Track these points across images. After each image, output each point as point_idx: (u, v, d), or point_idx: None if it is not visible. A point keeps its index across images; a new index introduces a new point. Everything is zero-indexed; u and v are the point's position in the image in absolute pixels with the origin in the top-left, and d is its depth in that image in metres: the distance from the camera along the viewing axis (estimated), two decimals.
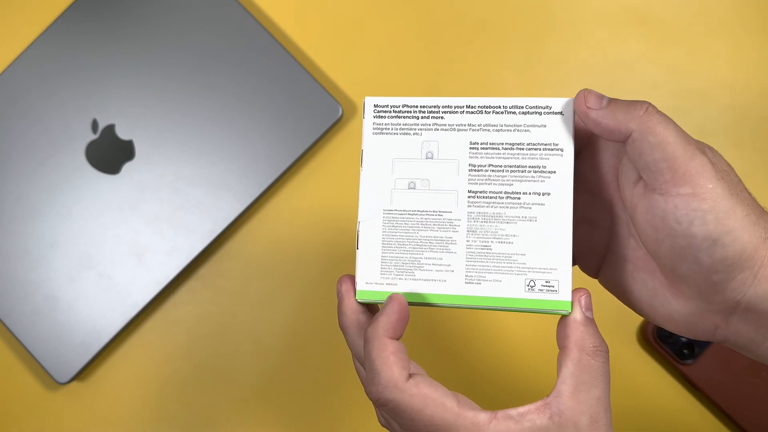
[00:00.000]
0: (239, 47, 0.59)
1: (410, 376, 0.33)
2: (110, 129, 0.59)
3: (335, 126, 0.59)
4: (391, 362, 0.33)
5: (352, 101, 0.60)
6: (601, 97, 0.34)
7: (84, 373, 0.58)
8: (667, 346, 0.56)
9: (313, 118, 0.58)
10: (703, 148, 0.32)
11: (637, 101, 0.33)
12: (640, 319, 0.58)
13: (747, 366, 0.55)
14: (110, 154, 0.58)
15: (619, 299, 0.38)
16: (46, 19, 0.61)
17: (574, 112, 0.35)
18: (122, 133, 0.58)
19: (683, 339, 0.56)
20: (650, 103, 0.33)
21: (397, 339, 0.34)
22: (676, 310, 0.34)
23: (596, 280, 0.39)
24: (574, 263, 0.38)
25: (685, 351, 0.56)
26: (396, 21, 0.61)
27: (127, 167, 0.58)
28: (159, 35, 0.59)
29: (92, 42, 0.59)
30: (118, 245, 0.57)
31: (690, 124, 0.59)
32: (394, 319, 0.34)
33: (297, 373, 0.58)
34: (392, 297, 0.34)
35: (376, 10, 0.61)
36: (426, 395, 0.33)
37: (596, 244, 0.38)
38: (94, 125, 0.59)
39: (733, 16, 0.60)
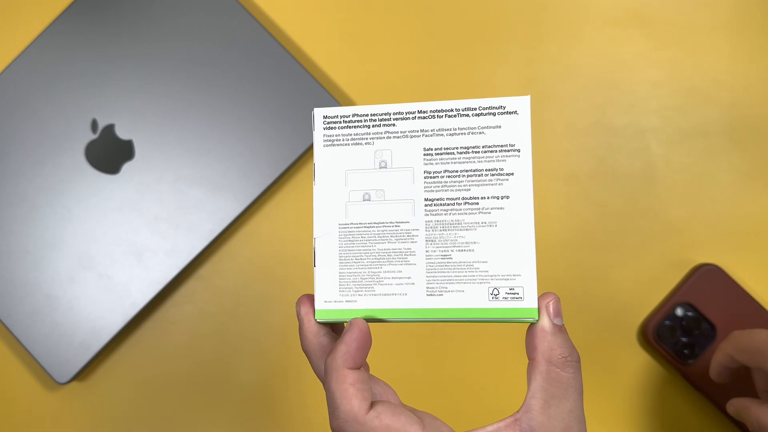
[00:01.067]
0: (239, 47, 0.59)
1: (372, 405, 0.32)
2: (110, 129, 0.59)
3: None
4: (350, 395, 0.32)
5: (352, 101, 0.60)
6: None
7: (84, 373, 0.58)
8: (667, 346, 0.56)
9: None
10: None
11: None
12: (640, 319, 0.58)
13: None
14: (110, 154, 0.58)
15: None
16: (46, 19, 0.61)
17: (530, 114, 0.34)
18: (122, 133, 0.58)
19: (683, 339, 0.56)
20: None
21: (358, 368, 0.33)
22: None
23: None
24: None
25: (685, 351, 0.56)
26: (396, 21, 0.61)
27: (126, 167, 0.58)
28: (159, 35, 0.59)
29: (92, 42, 0.59)
30: (118, 245, 0.57)
31: (690, 124, 0.59)
32: (353, 347, 0.32)
33: (297, 373, 0.58)
34: (352, 323, 0.33)
35: (376, 10, 0.61)
36: (388, 426, 0.32)
37: None
38: (94, 125, 0.59)
39: (733, 16, 0.60)
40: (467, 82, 0.60)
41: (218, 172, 0.58)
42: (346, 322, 0.34)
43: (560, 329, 0.33)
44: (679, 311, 0.56)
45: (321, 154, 0.35)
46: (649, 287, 0.58)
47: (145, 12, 0.59)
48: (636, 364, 0.57)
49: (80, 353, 0.57)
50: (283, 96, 0.58)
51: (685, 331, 0.56)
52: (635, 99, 0.59)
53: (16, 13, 0.61)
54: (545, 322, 0.33)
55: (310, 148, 0.58)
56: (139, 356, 0.58)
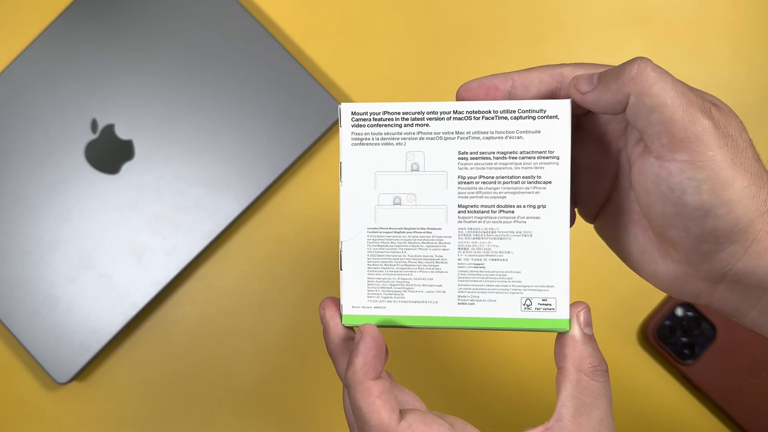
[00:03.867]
0: (239, 47, 0.59)
1: (402, 415, 0.31)
2: (110, 129, 0.58)
3: (335, 126, 0.59)
4: (378, 407, 0.31)
5: (352, 101, 0.60)
6: (591, 76, 0.31)
7: (83, 373, 0.58)
8: (667, 346, 0.56)
9: (313, 118, 0.58)
10: (708, 109, 0.29)
11: (629, 62, 0.30)
12: (640, 319, 0.58)
13: (747, 366, 0.55)
14: (110, 153, 0.58)
15: (611, 249, 0.36)
16: (46, 19, 0.61)
17: (572, 116, 0.33)
18: (122, 133, 0.58)
19: (683, 339, 0.56)
20: (644, 59, 0.30)
21: (379, 377, 0.32)
22: (662, 271, 0.33)
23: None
24: (572, 222, 0.37)
25: (685, 351, 0.56)
26: (396, 21, 0.61)
27: (126, 167, 0.58)
28: (159, 35, 0.59)
29: (92, 42, 0.59)
30: (117, 245, 0.57)
31: None
32: (371, 356, 0.31)
33: (297, 373, 0.58)
34: (363, 331, 0.32)
35: (376, 10, 0.61)
36: None
37: (599, 194, 0.36)
38: (94, 125, 0.59)
39: (733, 16, 0.60)
40: None
41: (218, 172, 0.58)
42: None
43: (590, 339, 0.33)
44: (679, 311, 0.56)
45: (348, 153, 0.33)
46: (649, 287, 0.58)
47: (145, 12, 0.59)
48: (636, 364, 0.57)
49: (80, 353, 0.57)
50: (283, 96, 0.58)
51: (685, 331, 0.56)
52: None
53: (16, 13, 0.61)
54: (576, 332, 0.33)
55: (310, 148, 0.58)
56: (139, 356, 0.58)
